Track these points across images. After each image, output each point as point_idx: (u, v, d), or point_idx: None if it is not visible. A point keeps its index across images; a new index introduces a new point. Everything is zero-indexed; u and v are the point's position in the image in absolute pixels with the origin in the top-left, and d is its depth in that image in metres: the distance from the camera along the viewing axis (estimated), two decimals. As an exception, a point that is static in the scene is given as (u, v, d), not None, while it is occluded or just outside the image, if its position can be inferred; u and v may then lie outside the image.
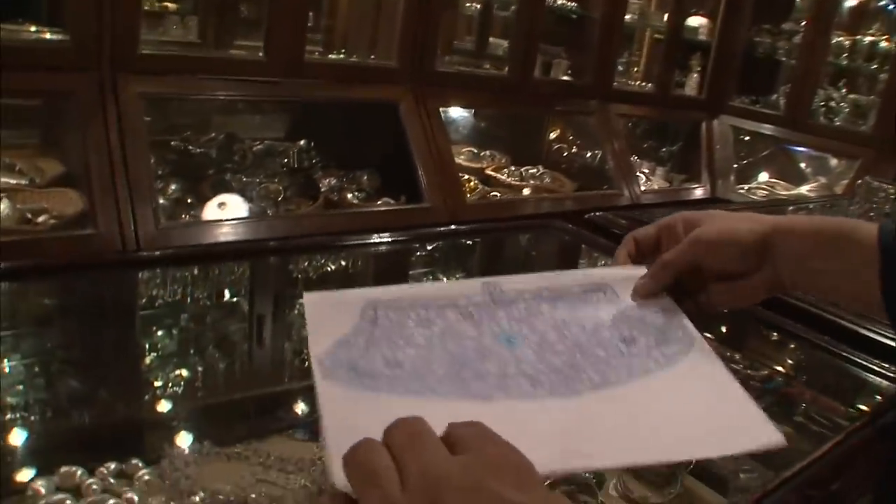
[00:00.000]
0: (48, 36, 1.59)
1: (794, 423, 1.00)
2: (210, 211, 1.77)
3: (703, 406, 0.63)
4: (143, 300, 1.24)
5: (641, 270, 0.76)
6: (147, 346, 1.16)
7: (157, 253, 1.40)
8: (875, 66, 3.12)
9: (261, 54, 1.85)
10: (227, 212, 1.76)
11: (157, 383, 1.04)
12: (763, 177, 3.35)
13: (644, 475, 0.84)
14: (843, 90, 3.18)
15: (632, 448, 0.58)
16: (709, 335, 1.27)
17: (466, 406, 0.59)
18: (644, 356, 0.67)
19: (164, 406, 0.97)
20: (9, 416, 0.86)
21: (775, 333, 1.20)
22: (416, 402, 0.58)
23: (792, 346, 1.23)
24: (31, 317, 1.13)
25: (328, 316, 0.66)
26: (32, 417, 0.88)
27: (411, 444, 0.42)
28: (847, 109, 3.13)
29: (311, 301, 0.67)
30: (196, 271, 1.32)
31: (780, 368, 1.23)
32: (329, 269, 1.47)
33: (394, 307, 0.69)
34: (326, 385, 0.58)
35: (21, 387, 0.96)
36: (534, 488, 0.40)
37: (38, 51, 1.54)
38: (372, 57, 2.26)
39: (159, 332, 1.20)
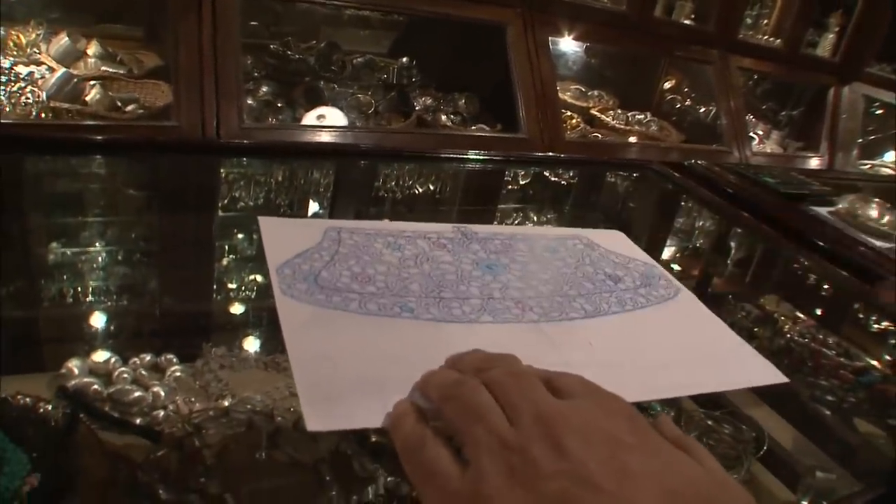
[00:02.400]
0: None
1: (885, 424, 0.89)
2: (308, 121, 1.75)
3: (701, 342, 0.58)
4: (226, 200, 1.23)
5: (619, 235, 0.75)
6: (223, 246, 1.14)
7: (245, 142, 1.37)
8: None
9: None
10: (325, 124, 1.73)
11: (231, 284, 1.03)
12: (890, 156, 3.05)
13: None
14: None
15: (634, 382, 0.52)
16: (800, 315, 1.17)
17: (450, 329, 0.53)
18: (632, 293, 0.64)
19: (214, 306, 0.95)
20: (73, 300, 0.86)
21: (883, 323, 1.09)
22: (393, 323, 0.52)
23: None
24: (118, 205, 1.13)
25: (287, 235, 0.61)
26: (97, 301, 0.88)
27: (517, 383, 0.41)
28: None
29: (268, 222, 0.63)
30: (280, 177, 1.30)
31: (876, 363, 1.11)
32: (416, 191, 1.42)
33: (359, 232, 0.64)
34: (286, 303, 0.52)
35: (101, 272, 0.97)
36: (645, 434, 0.39)
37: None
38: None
39: (239, 235, 1.19)
